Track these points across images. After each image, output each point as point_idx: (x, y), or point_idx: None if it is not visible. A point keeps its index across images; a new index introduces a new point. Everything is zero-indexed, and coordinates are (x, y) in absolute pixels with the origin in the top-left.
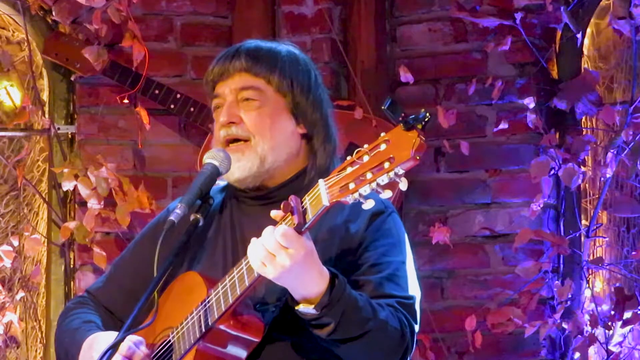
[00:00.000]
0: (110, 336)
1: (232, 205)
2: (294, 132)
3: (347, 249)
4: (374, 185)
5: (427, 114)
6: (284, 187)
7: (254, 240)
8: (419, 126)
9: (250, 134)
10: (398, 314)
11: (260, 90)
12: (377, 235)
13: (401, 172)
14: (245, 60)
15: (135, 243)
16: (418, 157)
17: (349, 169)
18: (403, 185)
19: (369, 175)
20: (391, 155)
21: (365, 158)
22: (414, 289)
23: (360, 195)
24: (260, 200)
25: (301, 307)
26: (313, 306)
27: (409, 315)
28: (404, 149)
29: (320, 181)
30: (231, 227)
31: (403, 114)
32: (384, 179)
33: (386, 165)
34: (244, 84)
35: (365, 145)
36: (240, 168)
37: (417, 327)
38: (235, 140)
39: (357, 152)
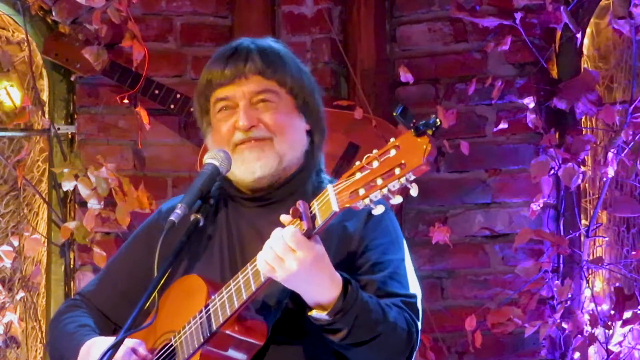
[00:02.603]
0: (108, 341)
1: (228, 206)
2: (304, 130)
3: (346, 249)
4: (384, 191)
5: (438, 120)
6: (282, 187)
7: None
8: (430, 132)
9: (272, 134)
10: (404, 313)
11: (275, 93)
12: (376, 234)
13: (412, 177)
14: (260, 63)
15: (128, 245)
16: (429, 163)
17: (358, 175)
18: (414, 191)
19: (379, 182)
20: (402, 161)
21: (375, 164)
22: (414, 286)
23: (371, 200)
24: (257, 201)
25: (314, 313)
26: (326, 312)
27: (413, 314)
28: (415, 155)
29: (329, 186)
30: (227, 228)
31: (414, 120)
32: (395, 185)
33: (397, 171)
34: (261, 87)
35: (375, 151)
36: (262, 167)
37: (420, 325)
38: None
39: (366, 158)
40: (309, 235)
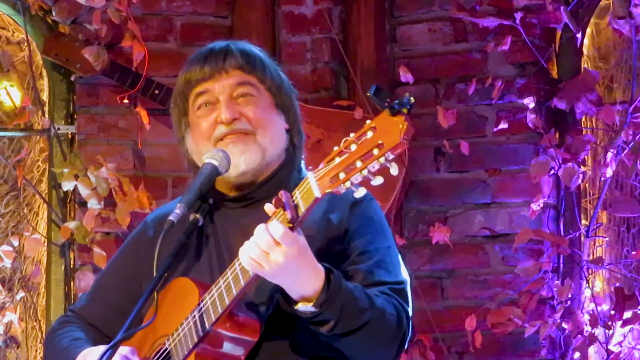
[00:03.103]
0: (102, 350)
1: (213, 209)
2: (284, 128)
3: (332, 240)
4: (365, 172)
5: (412, 98)
6: (264, 185)
7: (246, 242)
8: (405, 110)
9: (254, 128)
10: (392, 300)
11: (255, 87)
12: (360, 224)
13: (391, 157)
14: (240, 58)
15: (116, 259)
16: (406, 141)
17: (337, 159)
18: (394, 170)
19: (358, 164)
20: (380, 142)
21: (353, 147)
22: (402, 272)
23: (352, 183)
24: (240, 201)
25: (300, 306)
26: (312, 304)
27: (402, 300)
28: (392, 134)
29: (309, 174)
30: (213, 231)
31: (388, 100)
32: (374, 166)
33: (375, 151)
34: (241, 79)
35: (352, 134)
36: (246, 160)
37: (411, 311)
38: (237, 133)
39: (344, 142)
40: (293, 223)
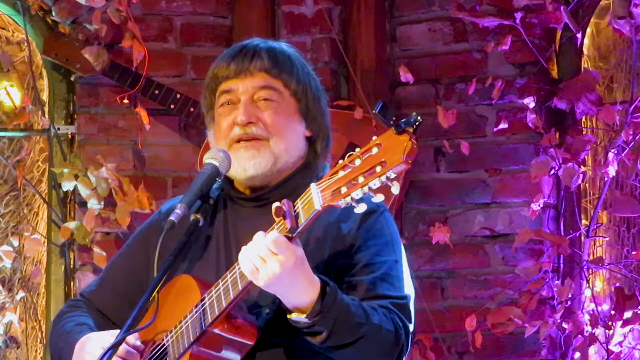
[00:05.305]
0: (102, 336)
1: (227, 207)
2: (303, 135)
3: (340, 249)
4: (365, 189)
5: (419, 117)
6: (279, 187)
7: (244, 247)
8: (410, 130)
9: (269, 134)
10: (392, 315)
11: (279, 92)
12: (370, 235)
13: (393, 176)
14: (267, 61)
15: (128, 246)
16: (410, 161)
17: (341, 173)
18: (395, 189)
19: (360, 179)
20: (383, 159)
21: (357, 162)
22: (407, 288)
23: (352, 199)
24: (255, 202)
25: (293, 316)
26: (305, 315)
27: (403, 316)
28: (395, 153)
29: (313, 185)
30: (224, 229)
31: (394, 117)
32: (375, 183)
33: (378, 169)
34: (265, 83)
35: (357, 149)
36: (255, 166)
37: (411, 327)
38: (251, 139)
39: (348, 156)
40: (292, 233)
